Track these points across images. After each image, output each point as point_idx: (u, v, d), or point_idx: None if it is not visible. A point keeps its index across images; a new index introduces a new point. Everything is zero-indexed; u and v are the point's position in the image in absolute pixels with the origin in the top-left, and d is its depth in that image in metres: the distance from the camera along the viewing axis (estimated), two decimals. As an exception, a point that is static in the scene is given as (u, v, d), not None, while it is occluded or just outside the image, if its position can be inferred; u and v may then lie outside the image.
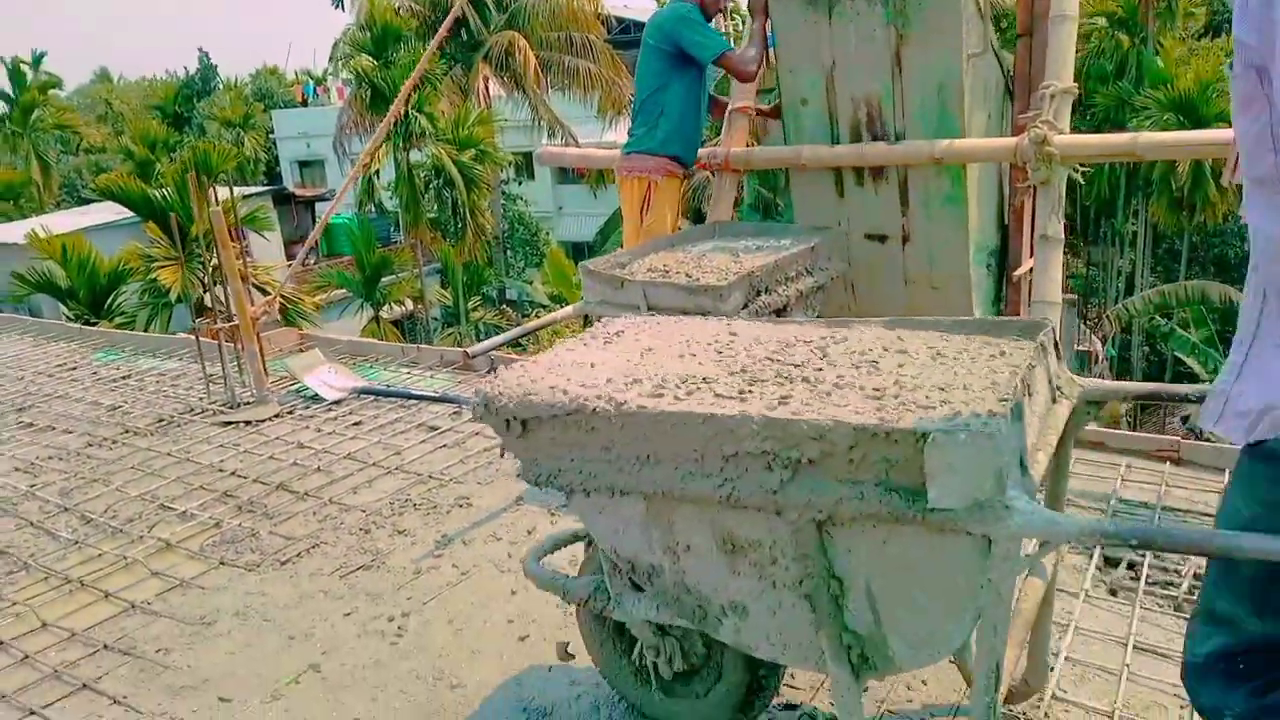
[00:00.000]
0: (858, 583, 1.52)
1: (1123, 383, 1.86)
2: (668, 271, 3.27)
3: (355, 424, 4.31)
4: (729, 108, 4.26)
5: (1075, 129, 3.38)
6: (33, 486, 3.77)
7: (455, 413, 4.33)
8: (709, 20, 3.89)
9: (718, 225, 4.03)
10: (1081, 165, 3.30)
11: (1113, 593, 2.51)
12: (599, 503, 1.70)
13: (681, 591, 1.72)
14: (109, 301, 12.64)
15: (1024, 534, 1.32)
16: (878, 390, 1.55)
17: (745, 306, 3.06)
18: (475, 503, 3.32)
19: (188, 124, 33.72)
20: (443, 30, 4.53)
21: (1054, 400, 1.72)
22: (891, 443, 1.36)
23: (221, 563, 3.00)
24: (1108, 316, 16.66)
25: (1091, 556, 2.66)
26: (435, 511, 3.26)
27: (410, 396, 4.63)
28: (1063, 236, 3.30)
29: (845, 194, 3.81)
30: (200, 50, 44.48)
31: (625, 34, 31.11)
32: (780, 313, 3.23)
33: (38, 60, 33.90)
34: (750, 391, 1.60)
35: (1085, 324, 18.47)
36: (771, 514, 1.50)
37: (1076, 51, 3.38)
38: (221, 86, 36.98)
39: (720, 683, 1.94)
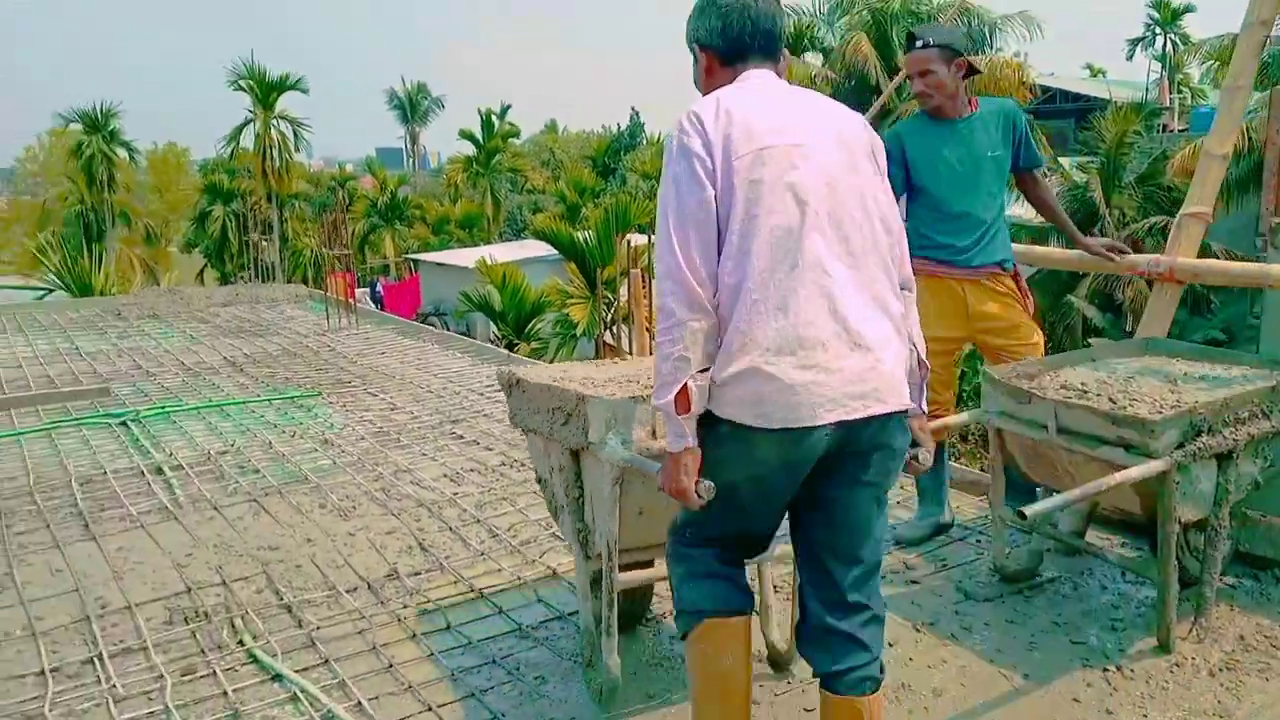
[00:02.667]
0: (587, 491, 2.55)
1: None
2: (1086, 391, 2.96)
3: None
4: (1180, 213, 3.80)
5: None
6: (455, 494, 4.36)
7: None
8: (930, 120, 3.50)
9: (1149, 342, 3.59)
10: None
11: None
12: (531, 439, 2.87)
13: (552, 496, 2.80)
14: (529, 327, 14.37)
15: (605, 459, 2.34)
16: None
17: (1180, 447, 2.67)
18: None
19: (613, 174, 37.55)
20: (874, 109, 4.55)
21: None
22: (583, 404, 2.40)
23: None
24: None
25: None
26: (785, 587, 3.22)
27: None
28: None
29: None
30: (633, 109, 49.51)
31: (1050, 103, 29.36)
32: (1223, 458, 2.78)
33: (504, 111, 39.92)
34: (602, 387, 2.66)
35: None
36: (562, 445, 2.55)
37: None
38: (645, 142, 40.74)
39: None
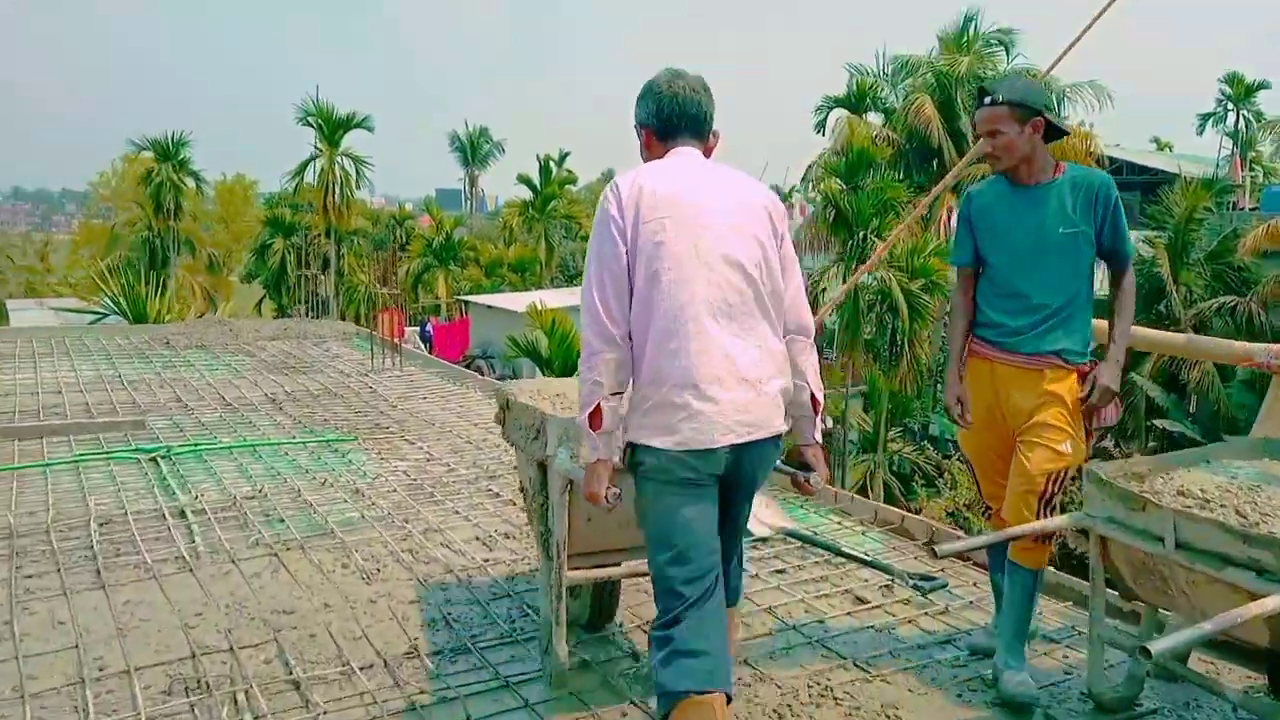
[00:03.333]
0: (549, 497, 2.86)
1: None
2: (1207, 500, 2.59)
3: (778, 571, 4.07)
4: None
5: None
6: (486, 561, 4.06)
7: (887, 585, 3.91)
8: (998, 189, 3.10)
9: (1268, 443, 3.19)
10: None
11: None
12: (516, 453, 3.23)
13: (531, 500, 3.08)
14: (575, 376, 14.15)
15: (556, 468, 2.75)
16: None
17: (1324, 575, 2.28)
18: (905, 715, 2.86)
19: (666, 225, 37.49)
20: (943, 183, 4.26)
21: None
22: (541, 422, 2.84)
23: (633, 702, 2.88)
24: None
25: None
26: (858, 714, 2.86)
27: (839, 553, 4.30)
28: None
29: None
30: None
31: (1116, 174, 28.79)
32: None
33: (562, 158, 40.25)
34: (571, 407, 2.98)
35: None
36: (530, 457, 2.99)
37: None
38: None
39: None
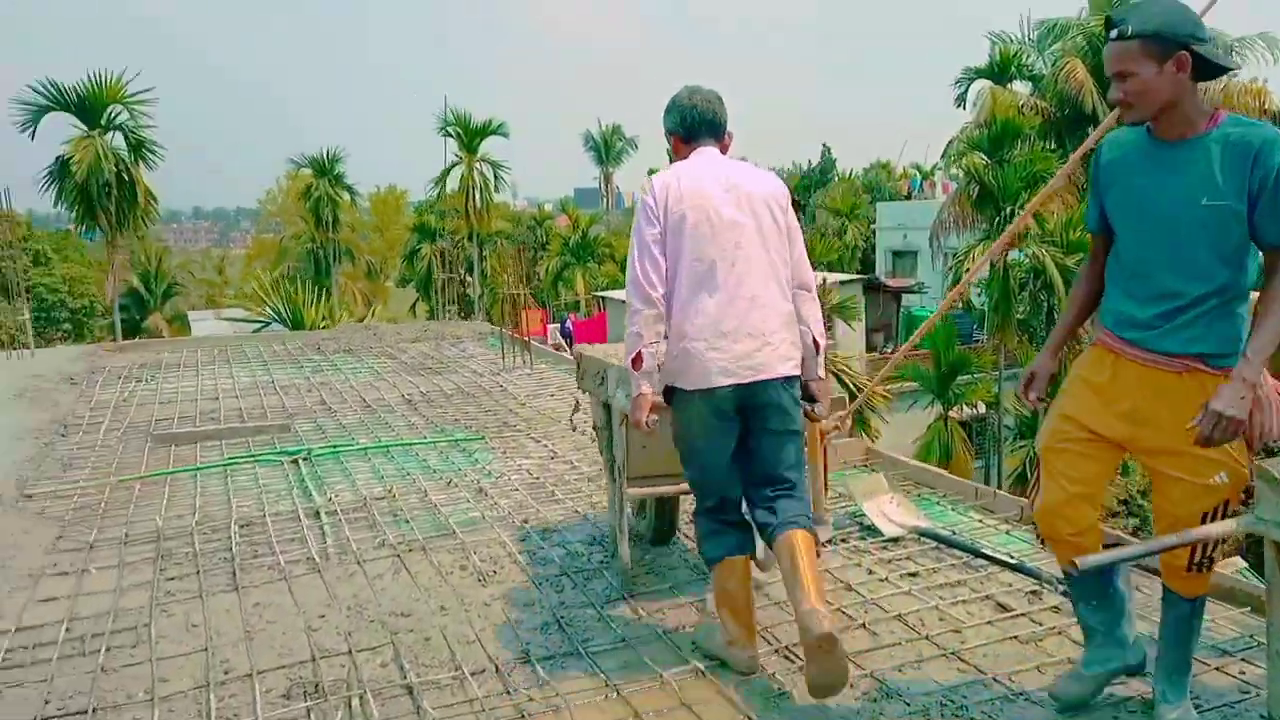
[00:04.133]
0: (612, 429, 3.63)
1: None
2: None
3: (910, 574, 3.81)
4: None
5: None
6: (603, 563, 3.97)
7: (1034, 591, 3.58)
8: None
9: None
10: None
11: None
12: (590, 397, 3.92)
13: (600, 434, 3.85)
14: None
15: (616, 405, 3.46)
16: None
17: None
18: (1051, 739, 2.58)
19: (802, 211, 36.82)
20: (1088, 143, 3.87)
21: None
22: (606, 369, 3.56)
23: (748, 718, 2.73)
24: None
25: None
26: (996, 736, 2.60)
27: (979, 554, 3.98)
28: None
29: None
30: (824, 145, 48.43)
31: (1301, 130, 26.01)
32: None
33: (693, 152, 40.00)
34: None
35: None
36: (599, 399, 3.75)
37: None
38: (837, 179, 39.73)
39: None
